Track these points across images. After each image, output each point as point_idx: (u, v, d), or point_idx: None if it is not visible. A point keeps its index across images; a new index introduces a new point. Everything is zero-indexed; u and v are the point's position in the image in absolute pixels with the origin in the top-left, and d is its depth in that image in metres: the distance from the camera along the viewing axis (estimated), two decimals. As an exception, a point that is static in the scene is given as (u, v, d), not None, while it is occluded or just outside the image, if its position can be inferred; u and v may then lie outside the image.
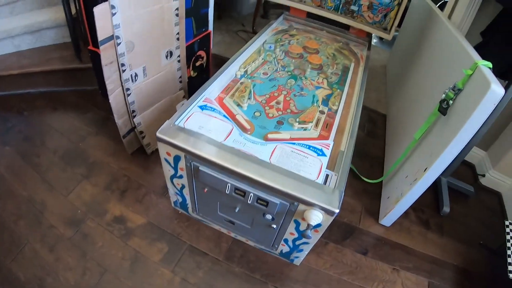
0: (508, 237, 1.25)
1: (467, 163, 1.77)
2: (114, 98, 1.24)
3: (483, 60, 0.97)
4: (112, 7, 1.06)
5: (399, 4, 1.44)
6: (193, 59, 1.52)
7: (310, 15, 1.60)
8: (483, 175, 1.68)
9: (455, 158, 1.04)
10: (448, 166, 1.08)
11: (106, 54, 1.13)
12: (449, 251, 1.34)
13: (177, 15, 1.26)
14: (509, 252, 1.20)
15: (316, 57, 1.33)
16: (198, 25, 1.46)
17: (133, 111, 1.30)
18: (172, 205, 1.27)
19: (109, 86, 1.20)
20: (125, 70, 1.19)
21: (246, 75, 1.21)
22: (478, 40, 1.44)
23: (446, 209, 1.43)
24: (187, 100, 1.04)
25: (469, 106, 0.92)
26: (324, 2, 1.54)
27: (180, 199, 1.19)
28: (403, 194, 1.19)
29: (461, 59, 1.09)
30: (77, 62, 1.70)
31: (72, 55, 1.74)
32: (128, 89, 1.24)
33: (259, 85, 1.18)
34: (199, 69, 1.60)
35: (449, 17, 1.53)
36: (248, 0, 2.63)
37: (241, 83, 1.17)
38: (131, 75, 1.22)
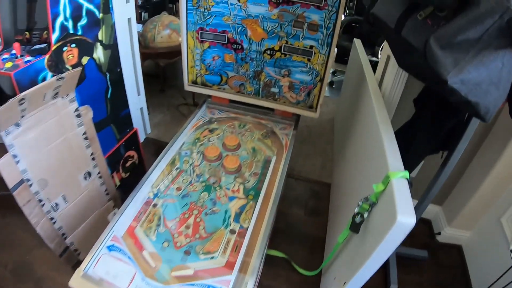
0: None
1: (423, 219, 1.71)
2: (41, 228, 1.26)
3: (398, 172, 0.88)
4: (14, 156, 1.08)
5: (321, 80, 1.40)
6: (121, 162, 1.53)
7: (233, 100, 1.57)
8: (439, 233, 1.62)
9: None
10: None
11: (21, 197, 1.15)
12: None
13: (86, 138, 1.27)
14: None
15: (233, 159, 1.30)
16: (120, 129, 1.47)
17: (63, 234, 1.32)
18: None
19: (33, 220, 1.22)
20: (44, 204, 1.21)
21: (159, 195, 1.21)
22: (410, 108, 1.39)
23: (394, 286, 1.39)
24: (118, 208, 1.08)
25: (381, 228, 0.85)
26: (243, 87, 1.51)
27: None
28: (332, 296, 1.16)
29: (380, 159, 1.00)
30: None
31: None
32: (52, 218, 1.26)
33: (171, 205, 1.17)
34: (131, 167, 1.61)
35: (380, 83, 1.46)
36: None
37: (154, 205, 1.17)
38: (52, 206, 1.24)
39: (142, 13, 3.87)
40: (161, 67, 2.69)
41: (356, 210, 1.00)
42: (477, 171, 1.48)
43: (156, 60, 2.53)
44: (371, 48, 3.09)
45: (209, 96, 1.59)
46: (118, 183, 1.54)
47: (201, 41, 1.46)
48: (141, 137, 2.22)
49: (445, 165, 1.17)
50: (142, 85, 2.03)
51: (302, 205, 1.80)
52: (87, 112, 1.24)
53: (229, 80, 1.52)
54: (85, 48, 1.29)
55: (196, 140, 1.42)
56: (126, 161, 1.55)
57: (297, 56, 1.38)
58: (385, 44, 1.50)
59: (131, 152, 1.57)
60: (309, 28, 1.30)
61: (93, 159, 1.33)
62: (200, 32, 1.44)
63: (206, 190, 1.22)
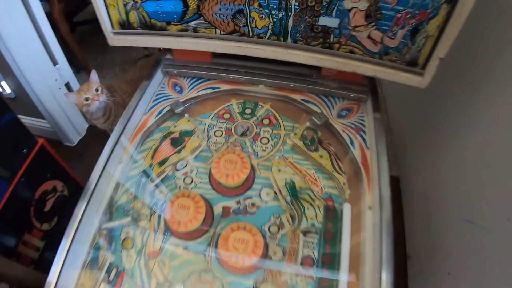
0: None
1: None
2: None
3: None
4: None
5: (453, 1, 0.46)
6: (33, 212, 0.76)
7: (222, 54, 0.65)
8: None
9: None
10: None
11: None
12: None
13: None
14: None
15: (242, 237, 0.50)
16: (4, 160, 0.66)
17: None
18: None
19: None
20: None
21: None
22: None
23: None
24: None
25: None
26: (242, 19, 0.57)
27: None
28: None
29: None
30: None
31: None
32: None
33: None
34: (58, 205, 0.82)
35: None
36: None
37: None
38: None
39: None
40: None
41: None
42: None
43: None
44: None
45: (167, 50, 0.68)
46: (41, 246, 0.79)
47: None
48: (83, 127, 1.37)
49: None
50: (57, 47, 1.08)
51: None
52: None
53: (205, 4, 0.58)
54: None
55: (144, 179, 0.60)
56: (42, 203, 0.80)
57: None
58: None
59: (47, 185, 0.79)
60: None
61: None
62: None
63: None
